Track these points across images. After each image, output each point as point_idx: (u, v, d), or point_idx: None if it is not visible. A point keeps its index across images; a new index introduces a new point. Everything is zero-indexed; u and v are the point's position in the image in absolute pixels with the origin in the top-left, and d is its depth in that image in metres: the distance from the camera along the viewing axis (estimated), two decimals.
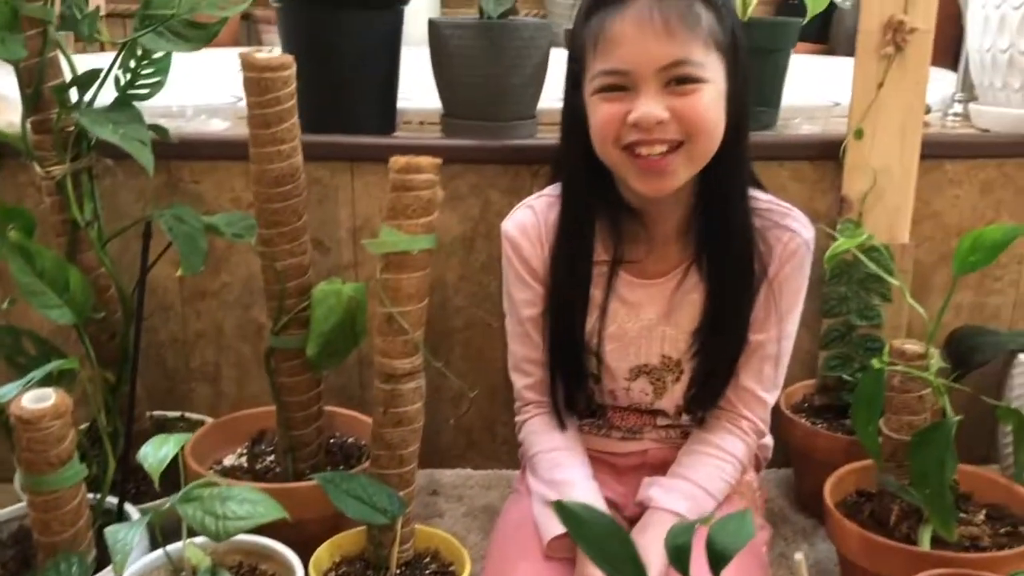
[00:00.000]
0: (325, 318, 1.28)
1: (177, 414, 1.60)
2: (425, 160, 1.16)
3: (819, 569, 1.49)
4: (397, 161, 1.16)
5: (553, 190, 1.29)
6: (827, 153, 1.64)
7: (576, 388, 1.31)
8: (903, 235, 1.63)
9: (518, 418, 1.35)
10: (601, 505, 1.19)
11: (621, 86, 1.12)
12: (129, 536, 1.02)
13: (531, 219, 1.27)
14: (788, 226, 1.24)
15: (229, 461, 1.45)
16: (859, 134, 1.58)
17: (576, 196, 1.25)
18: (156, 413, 1.59)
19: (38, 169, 1.31)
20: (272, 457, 1.44)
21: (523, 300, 1.29)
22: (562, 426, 1.30)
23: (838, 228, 1.58)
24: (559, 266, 1.25)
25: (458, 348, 1.72)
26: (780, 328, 1.25)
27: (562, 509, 0.82)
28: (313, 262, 1.37)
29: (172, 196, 1.61)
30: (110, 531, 1.02)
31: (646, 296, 1.26)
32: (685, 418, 1.35)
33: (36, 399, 1.10)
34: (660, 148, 1.12)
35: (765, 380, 1.29)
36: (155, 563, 1.17)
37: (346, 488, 1.19)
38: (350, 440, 1.49)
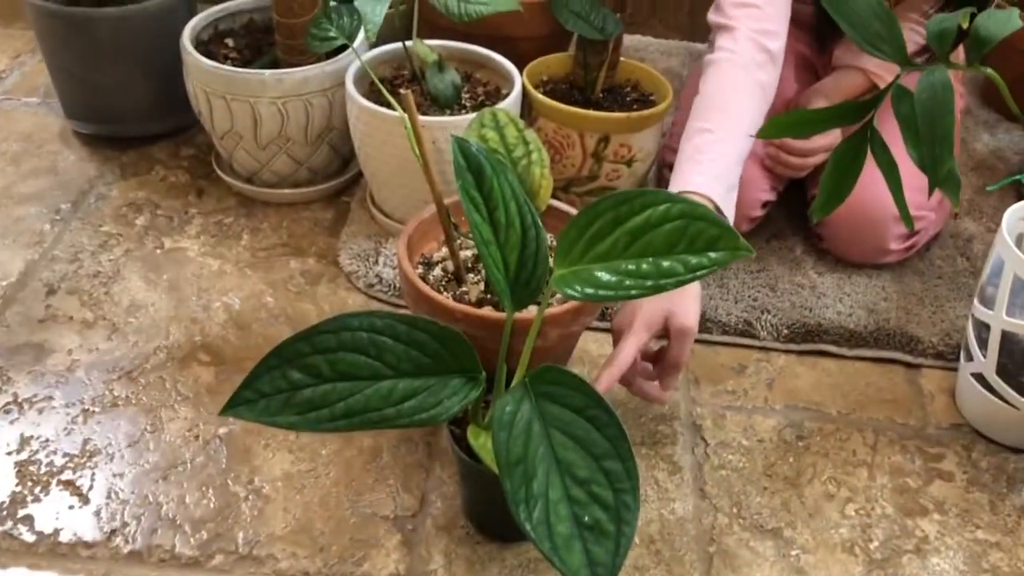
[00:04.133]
0: None
1: None
2: None
3: (998, 155, 1.51)
4: None
5: None
6: None
7: None
8: None
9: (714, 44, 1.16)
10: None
11: None
12: (378, 7, 1.08)
13: None
14: None
15: None
16: None
17: None
18: None
19: None
20: None
21: None
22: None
23: None
24: None
25: None
26: None
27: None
28: None
29: None
30: (361, 2, 1.09)
31: None
32: None
33: None
34: None
35: None
36: (387, 55, 1.25)
37: (567, 3, 1.22)
38: None
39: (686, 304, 0.95)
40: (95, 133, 1.42)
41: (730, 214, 1.04)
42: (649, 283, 0.71)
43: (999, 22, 0.81)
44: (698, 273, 0.70)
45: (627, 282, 0.71)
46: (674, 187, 1.08)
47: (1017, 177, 0.93)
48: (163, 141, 1.43)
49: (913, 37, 1.28)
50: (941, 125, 0.78)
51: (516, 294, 0.78)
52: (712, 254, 0.70)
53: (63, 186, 1.34)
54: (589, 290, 0.73)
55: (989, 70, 0.83)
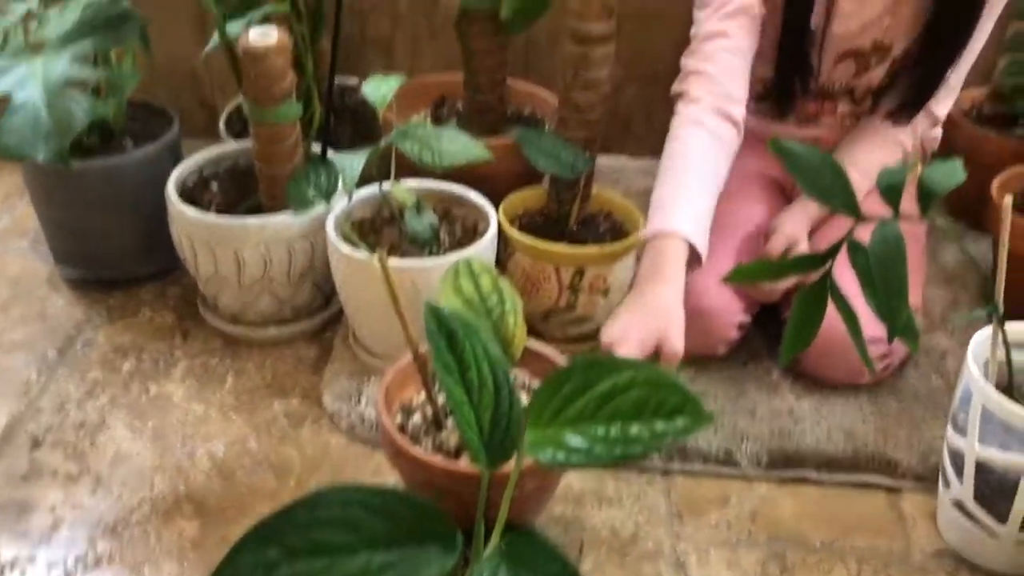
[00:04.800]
0: None
1: (356, 80, 1.67)
2: None
3: (968, 268, 1.54)
4: None
5: None
6: None
7: (792, 82, 1.31)
8: None
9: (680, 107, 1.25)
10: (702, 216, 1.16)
11: None
12: (355, 163, 1.12)
13: None
14: None
15: (415, 120, 1.53)
16: None
17: None
18: (336, 78, 1.66)
19: None
20: (454, 121, 1.51)
21: None
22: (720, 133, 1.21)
23: None
24: None
25: (623, 34, 1.72)
26: (995, 5, 1.23)
27: (778, 145, 0.87)
28: None
29: None
30: (338, 158, 1.13)
31: None
32: (867, 103, 1.36)
33: (260, 35, 1.17)
34: None
35: (959, 68, 1.29)
36: (366, 199, 1.29)
37: (538, 144, 1.27)
38: (527, 111, 1.55)
39: (678, 328, 1.06)
40: (83, 278, 1.44)
41: (704, 250, 1.14)
42: (618, 450, 0.72)
43: (945, 174, 0.85)
44: (664, 440, 0.71)
45: (597, 448, 0.73)
46: (650, 230, 1.15)
47: (976, 313, 0.96)
48: (150, 282, 1.46)
49: (881, 159, 1.32)
50: (895, 277, 0.81)
51: (491, 453, 0.79)
52: (678, 422, 0.71)
53: (51, 332, 1.36)
54: (560, 455, 0.74)
55: (940, 220, 0.86)
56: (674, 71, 1.29)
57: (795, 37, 1.25)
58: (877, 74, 1.31)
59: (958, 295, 1.48)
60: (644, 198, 1.69)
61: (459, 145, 1.15)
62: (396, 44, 1.76)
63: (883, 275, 0.81)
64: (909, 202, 1.09)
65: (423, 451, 0.93)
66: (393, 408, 1.02)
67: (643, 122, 1.82)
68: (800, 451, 1.17)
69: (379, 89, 1.15)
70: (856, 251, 0.83)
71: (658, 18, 1.69)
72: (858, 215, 0.85)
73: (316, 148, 1.37)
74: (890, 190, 0.84)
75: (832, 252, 0.86)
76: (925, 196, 0.83)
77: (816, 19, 1.24)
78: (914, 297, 1.28)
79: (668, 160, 1.21)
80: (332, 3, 1.34)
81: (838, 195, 0.85)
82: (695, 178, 1.19)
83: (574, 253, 1.25)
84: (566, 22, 1.24)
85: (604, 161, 1.82)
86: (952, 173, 0.84)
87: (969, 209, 1.62)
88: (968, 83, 1.63)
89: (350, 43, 1.75)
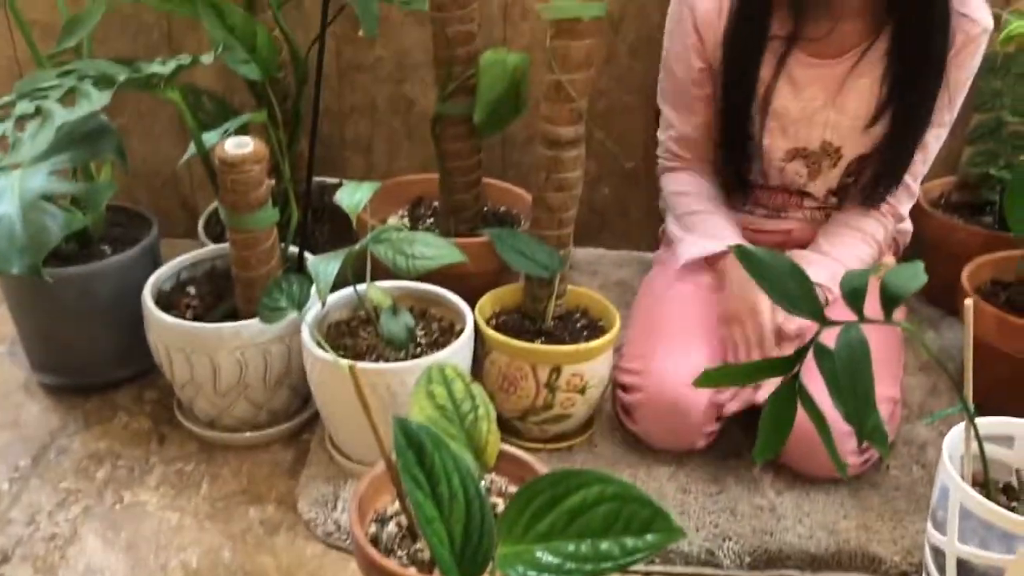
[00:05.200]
0: (491, 86, 1.33)
1: (336, 180, 1.70)
2: None
3: (945, 355, 1.55)
4: None
5: None
6: None
7: (739, 164, 1.35)
8: None
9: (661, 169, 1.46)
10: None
11: None
12: (329, 268, 1.13)
13: None
14: (970, 14, 1.22)
15: (392, 221, 1.55)
16: None
17: None
18: (316, 179, 1.69)
19: None
20: (432, 220, 1.53)
21: (687, 68, 1.32)
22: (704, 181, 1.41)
23: (1004, 20, 1.53)
24: (733, 38, 1.25)
25: (595, 135, 1.76)
26: (940, 117, 1.27)
27: (742, 251, 0.89)
28: None
29: None
30: (313, 262, 1.14)
31: (815, 76, 1.27)
32: (832, 200, 1.39)
33: (236, 145, 1.19)
34: None
35: (915, 167, 1.32)
36: (343, 300, 1.30)
37: (512, 244, 1.29)
38: (503, 209, 1.58)
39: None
40: (60, 384, 1.44)
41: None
42: (589, 567, 0.71)
43: (907, 278, 0.86)
44: (635, 556, 0.71)
45: (568, 565, 0.72)
46: (691, 253, 1.34)
47: (949, 411, 0.96)
48: (127, 385, 1.45)
49: (858, 253, 1.35)
50: (862, 382, 0.82)
51: (463, 568, 0.78)
52: (649, 537, 0.71)
53: (24, 440, 1.34)
54: (532, 573, 0.73)
55: (905, 323, 0.87)
56: (646, 166, 1.35)
57: (735, 114, 1.32)
58: (834, 175, 1.34)
59: (936, 382, 1.49)
60: (621, 289, 1.72)
61: (433, 249, 1.16)
62: (374, 145, 1.80)
63: (849, 380, 0.81)
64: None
65: (396, 564, 0.92)
66: (367, 517, 1.01)
67: (618, 216, 1.84)
68: (783, 549, 1.16)
69: (353, 196, 1.17)
70: (822, 356, 0.84)
71: (629, 116, 1.73)
72: (823, 321, 0.85)
73: (294, 249, 1.39)
74: (853, 294, 0.85)
75: (799, 355, 0.86)
76: (888, 301, 0.85)
77: (761, 91, 1.29)
78: (893, 389, 1.29)
79: (677, 198, 1.41)
80: (310, 108, 1.38)
81: (802, 301, 0.86)
82: (711, 205, 1.39)
83: (550, 351, 1.25)
84: (538, 125, 1.27)
85: (581, 254, 1.84)
86: (914, 277, 0.85)
87: (941, 297, 1.64)
88: (936, 172, 1.68)
89: (329, 144, 1.79)
